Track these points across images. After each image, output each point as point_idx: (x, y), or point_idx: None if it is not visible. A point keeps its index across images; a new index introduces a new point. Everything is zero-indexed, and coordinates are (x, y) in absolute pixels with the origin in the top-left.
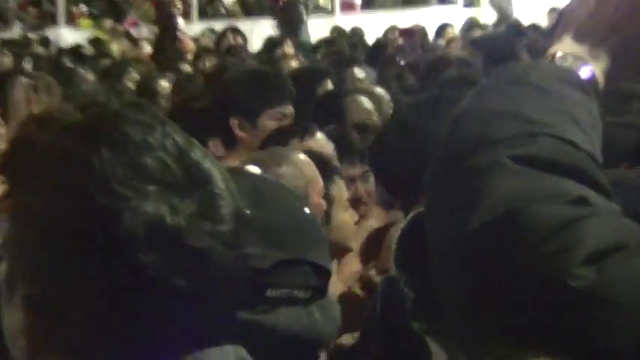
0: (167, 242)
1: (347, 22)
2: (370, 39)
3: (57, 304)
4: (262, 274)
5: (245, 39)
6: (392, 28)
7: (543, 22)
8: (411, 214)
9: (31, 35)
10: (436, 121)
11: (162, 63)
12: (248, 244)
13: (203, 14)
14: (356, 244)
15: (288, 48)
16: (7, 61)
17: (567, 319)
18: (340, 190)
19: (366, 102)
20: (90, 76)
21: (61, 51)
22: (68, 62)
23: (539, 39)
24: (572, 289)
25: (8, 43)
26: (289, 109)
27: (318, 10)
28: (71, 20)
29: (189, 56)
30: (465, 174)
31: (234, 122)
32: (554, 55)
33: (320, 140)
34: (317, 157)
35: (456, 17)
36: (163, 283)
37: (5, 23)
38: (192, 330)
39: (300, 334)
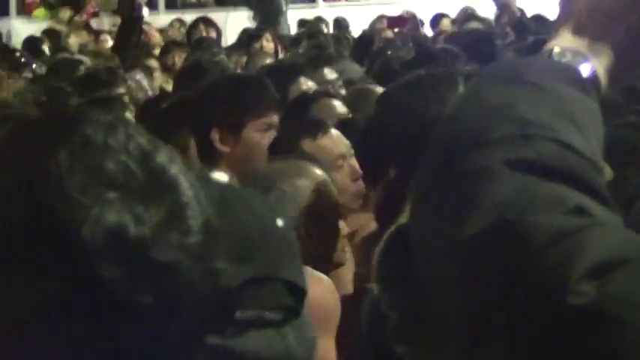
0: (131, 255)
1: (331, 12)
2: (356, 31)
3: (9, 319)
4: (231, 293)
5: (219, 31)
6: (379, 18)
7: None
8: (391, 229)
9: None
10: (421, 100)
11: (126, 58)
12: (217, 258)
13: (171, 4)
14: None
15: (267, 42)
16: None
17: (566, 338)
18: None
19: (338, 106)
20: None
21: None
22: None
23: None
24: (572, 305)
25: None
26: (275, 119)
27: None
28: (24, 10)
29: (156, 51)
30: (456, 178)
31: (215, 135)
32: (551, 51)
33: (334, 137)
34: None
35: (452, 9)
36: (127, 300)
37: None
38: (158, 354)
39: (272, 359)
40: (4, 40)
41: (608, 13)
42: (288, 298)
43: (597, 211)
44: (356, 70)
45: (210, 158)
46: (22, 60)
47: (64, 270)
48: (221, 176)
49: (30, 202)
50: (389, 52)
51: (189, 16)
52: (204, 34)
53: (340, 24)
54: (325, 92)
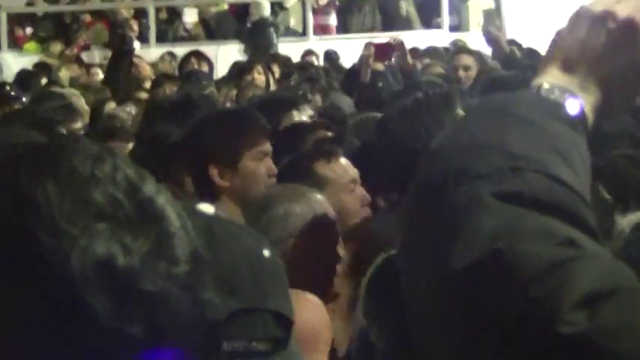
0: (119, 285)
1: (321, 45)
2: (347, 64)
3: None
4: (217, 325)
5: (211, 64)
6: (367, 45)
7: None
8: (377, 261)
9: None
10: (419, 125)
11: (117, 91)
12: (205, 288)
13: (162, 37)
14: None
15: (259, 74)
16: None
17: None
18: None
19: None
20: None
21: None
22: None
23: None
24: (562, 335)
25: None
26: (268, 146)
27: (290, 32)
28: (15, 44)
29: (147, 84)
30: (444, 210)
31: (212, 171)
32: (539, 87)
33: (345, 163)
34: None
35: (441, 42)
36: (115, 329)
37: None
38: None
39: None
40: None
41: (596, 51)
42: (275, 328)
43: (586, 243)
44: (347, 102)
45: (210, 195)
46: (12, 93)
47: (53, 300)
48: (207, 207)
49: (18, 233)
50: (380, 84)
51: (180, 50)
52: (195, 67)
53: (331, 57)
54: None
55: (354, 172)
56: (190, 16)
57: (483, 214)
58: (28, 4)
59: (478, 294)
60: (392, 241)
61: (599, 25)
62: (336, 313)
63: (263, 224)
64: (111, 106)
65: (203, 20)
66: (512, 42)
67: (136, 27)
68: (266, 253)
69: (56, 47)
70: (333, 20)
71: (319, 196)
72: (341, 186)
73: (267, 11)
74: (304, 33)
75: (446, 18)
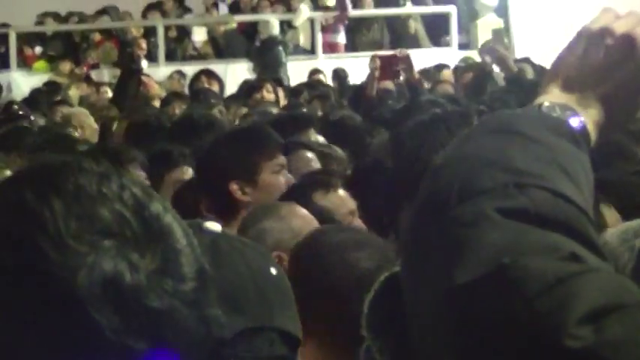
0: (126, 302)
1: (330, 64)
2: (355, 82)
3: None
4: (224, 342)
5: (221, 83)
6: (373, 58)
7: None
8: (382, 277)
9: None
10: (438, 140)
11: (125, 110)
12: (211, 306)
13: (171, 56)
14: None
15: (268, 93)
16: None
17: None
18: None
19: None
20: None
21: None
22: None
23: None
24: (569, 349)
25: None
26: (283, 159)
27: (299, 51)
28: (24, 63)
29: (156, 102)
30: (448, 225)
31: (233, 188)
32: (540, 106)
33: (343, 195)
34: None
35: (450, 60)
36: (122, 346)
37: None
38: None
39: None
40: (4, 93)
41: (595, 68)
42: (281, 347)
43: (590, 258)
44: (356, 119)
45: (232, 211)
46: (20, 112)
47: (60, 317)
48: (214, 225)
49: (25, 249)
50: (390, 102)
51: (189, 68)
52: (206, 85)
53: (339, 75)
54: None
55: (351, 203)
56: (199, 35)
57: (488, 229)
58: (38, 24)
59: (482, 309)
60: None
61: (598, 42)
62: None
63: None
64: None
65: (212, 39)
66: (525, 60)
67: (144, 46)
68: (273, 270)
69: (65, 66)
70: (342, 38)
71: (293, 209)
72: (339, 217)
73: (275, 30)
74: (313, 51)
75: (455, 36)
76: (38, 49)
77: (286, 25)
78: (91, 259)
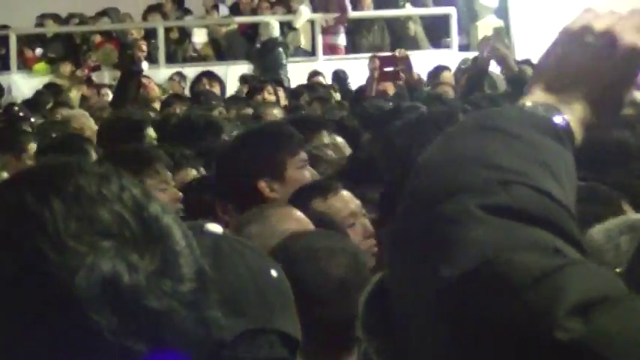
0: (125, 303)
1: (330, 65)
2: (356, 84)
3: None
4: (223, 344)
5: (223, 85)
6: (372, 58)
7: None
8: (376, 277)
9: None
10: (426, 138)
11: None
12: (210, 307)
13: (171, 58)
14: None
15: (269, 94)
16: None
17: None
18: None
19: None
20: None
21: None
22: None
23: None
24: (559, 341)
25: None
26: (304, 154)
27: (300, 52)
28: (25, 65)
29: (156, 104)
30: (433, 223)
31: (262, 185)
32: (523, 105)
33: (345, 197)
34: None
35: (451, 62)
36: (120, 347)
37: None
38: None
39: None
40: (5, 95)
41: (576, 66)
42: (281, 349)
43: (571, 254)
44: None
45: None
46: (21, 114)
47: (58, 317)
48: (215, 227)
49: (24, 250)
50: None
51: (190, 70)
52: (207, 87)
53: (339, 76)
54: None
55: (354, 204)
56: (200, 37)
57: (472, 226)
58: (38, 25)
59: (471, 303)
60: None
61: (578, 41)
62: None
63: None
64: None
65: (213, 40)
66: (526, 62)
67: (145, 47)
68: (273, 272)
69: (66, 68)
70: (342, 40)
71: (281, 213)
72: (339, 221)
73: (276, 31)
74: (313, 53)
75: (455, 38)
76: (38, 51)
77: (287, 27)
78: (89, 260)
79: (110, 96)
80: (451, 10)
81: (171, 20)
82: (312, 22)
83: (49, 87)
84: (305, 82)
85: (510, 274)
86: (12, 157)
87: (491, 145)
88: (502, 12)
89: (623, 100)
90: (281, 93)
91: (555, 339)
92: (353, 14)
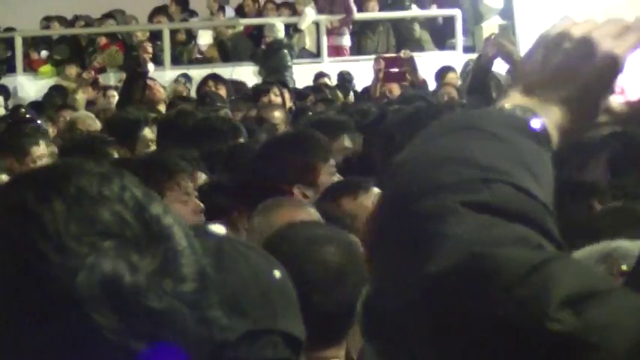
0: (126, 303)
1: (335, 67)
2: (361, 85)
3: None
4: (226, 345)
5: (229, 87)
6: (377, 59)
7: None
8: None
9: None
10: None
11: None
12: (212, 307)
13: (177, 59)
14: None
15: (275, 96)
16: None
17: None
18: None
19: None
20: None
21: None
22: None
23: None
24: (552, 333)
25: None
26: (333, 161)
27: (305, 54)
28: (30, 67)
29: (161, 107)
30: (414, 220)
31: (296, 192)
32: (502, 108)
33: (375, 195)
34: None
35: (456, 64)
36: (122, 347)
37: None
38: None
39: None
40: (10, 97)
41: (554, 71)
42: (284, 350)
43: (551, 249)
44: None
45: None
46: (27, 116)
47: (59, 317)
48: (219, 228)
49: (25, 250)
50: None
51: (195, 72)
52: (213, 90)
53: (344, 78)
54: None
55: None
56: (205, 39)
57: (453, 223)
58: (44, 28)
59: (458, 298)
60: None
61: (556, 46)
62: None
63: None
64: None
65: (219, 42)
66: None
67: (150, 49)
68: (276, 273)
69: (71, 70)
70: (347, 41)
71: (283, 205)
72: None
73: (281, 33)
74: (318, 54)
75: (460, 39)
76: (44, 53)
77: (292, 29)
78: (90, 260)
79: (116, 98)
80: (456, 12)
81: (176, 22)
82: (317, 24)
83: (56, 89)
84: (310, 83)
85: (500, 269)
86: (14, 161)
87: (470, 144)
88: (507, 13)
89: (599, 106)
90: (286, 95)
91: (547, 331)
92: (358, 16)
